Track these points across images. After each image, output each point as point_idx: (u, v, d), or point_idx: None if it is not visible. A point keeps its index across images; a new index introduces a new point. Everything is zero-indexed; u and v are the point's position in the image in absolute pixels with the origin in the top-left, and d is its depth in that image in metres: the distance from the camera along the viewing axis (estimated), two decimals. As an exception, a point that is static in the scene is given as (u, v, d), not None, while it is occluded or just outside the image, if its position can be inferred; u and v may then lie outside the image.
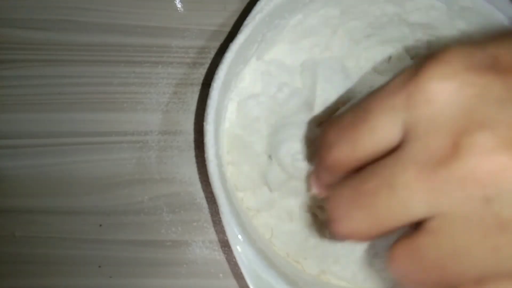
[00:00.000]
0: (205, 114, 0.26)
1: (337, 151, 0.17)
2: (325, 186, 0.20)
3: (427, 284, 0.15)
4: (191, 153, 0.33)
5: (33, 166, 0.33)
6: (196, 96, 0.34)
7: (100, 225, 0.32)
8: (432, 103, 0.14)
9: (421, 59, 0.15)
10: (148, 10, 0.35)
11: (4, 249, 0.32)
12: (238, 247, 0.25)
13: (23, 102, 0.34)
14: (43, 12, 0.35)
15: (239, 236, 0.25)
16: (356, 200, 0.16)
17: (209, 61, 0.35)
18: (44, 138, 0.33)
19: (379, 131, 0.15)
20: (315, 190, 0.22)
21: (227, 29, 0.35)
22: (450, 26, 0.30)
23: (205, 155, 0.26)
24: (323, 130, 0.18)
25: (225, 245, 0.32)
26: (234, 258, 0.31)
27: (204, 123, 0.26)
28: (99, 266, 0.31)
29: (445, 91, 0.14)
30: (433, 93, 0.14)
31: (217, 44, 0.35)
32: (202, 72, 0.34)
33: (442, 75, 0.14)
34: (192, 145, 0.33)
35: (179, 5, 0.36)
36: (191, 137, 0.33)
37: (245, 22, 0.28)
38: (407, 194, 0.14)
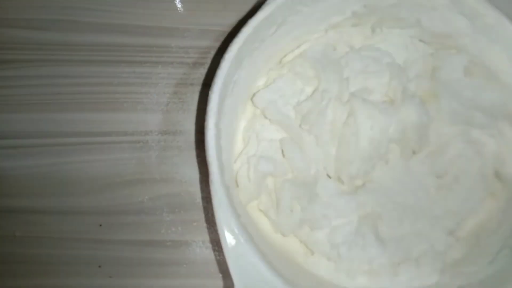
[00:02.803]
0: (212, 84, 0.25)
1: None
2: None
3: None
4: (191, 153, 0.33)
5: (33, 166, 0.33)
6: (196, 96, 0.34)
7: (100, 225, 0.32)
8: None
9: None
10: (148, 10, 0.35)
11: (4, 249, 0.32)
12: (221, 213, 0.24)
13: (23, 102, 0.34)
14: (43, 12, 0.35)
15: (224, 205, 0.24)
16: None
17: (209, 61, 0.35)
18: (44, 138, 0.33)
19: None
20: None
21: (227, 29, 0.35)
22: (471, 41, 0.29)
23: (205, 124, 0.25)
24: None
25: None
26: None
27: (210, 92, 0.25)
28: (99, 266, 0.31)
29: None
30: None
31: (217, 44, 0.35)
32: (202, 72, 0.34)
33: None
34: (192, 145, 0.33)
35: (179, 5, 0.36)
36: (191, 137, 0.33)
37: (267, 2, 0.27)
38: None
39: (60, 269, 0.31)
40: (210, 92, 0.25)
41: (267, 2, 0.27)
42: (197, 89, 0.34)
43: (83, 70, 0.34)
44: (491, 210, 0.29)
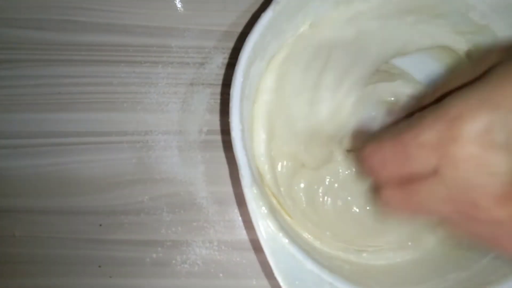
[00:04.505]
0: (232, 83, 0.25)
1: (382, 173, 0.23)
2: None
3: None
4: (191, 153, 0.33)
5: (33, 166, 0.33)
6: (196, 96, 0.34)
7: (100, 225, 0.32)
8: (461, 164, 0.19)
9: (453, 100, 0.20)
10: (148, 10, 0.35)
11: (4, 249, 0.32)
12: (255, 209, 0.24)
13: (23, 102, 0.34)
14: (43, 12, 0.35)
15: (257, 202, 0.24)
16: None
17: (209, 61, 0.35)
18: (44, 138, 0.33)
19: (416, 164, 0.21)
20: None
21: (227, 29, 0.35)
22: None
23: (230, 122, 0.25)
24: (364, 156, 0.24)
25: (225, 245, 0.32)
26: (234, 258, 0.32)
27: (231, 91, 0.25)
28: (99, 266, 0.31)
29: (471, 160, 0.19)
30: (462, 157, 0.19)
31: (217, 44, 0.35)
32: (202, 72, 0.34)
33: (472, 144, 0.19)
34: (192, 145, 0.33)
35: (179, 5, 0.35)
36: (191, 137, 0.33)
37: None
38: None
39: (60, 269, 0.31)
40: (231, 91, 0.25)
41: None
42: (196, 89, 0.34)
43: (82, 70, 0.34)
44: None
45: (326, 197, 0.30)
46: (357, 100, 0.31)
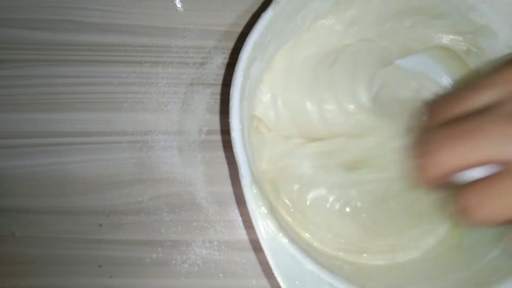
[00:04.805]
0: (232, 82, 0.25)
1: (450, 107, 0.23)
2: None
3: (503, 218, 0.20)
4: (191, 153, 0.33)
5: (33, 166, 0.33)
6: (196, 96, 0.34)
7: (100, 225, 0.32)
8: None
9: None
10: (148, 10, 0.35)
11: (4, 249, 0.32)
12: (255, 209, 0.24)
13: (22, 102, 0.34)
14: (43, 12, 0.35)
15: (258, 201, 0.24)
16: (452, 137, 0.21)
17: (209, 61, 0.35)
18: (44, 138, 0.33)
19: (483, 97, 0.22)
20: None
21: (227, 29, 0.35)
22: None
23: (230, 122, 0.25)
24: (439, 98, 0.27)
25: (225, 245, 0.32)
26: (234, 258, 0.32)
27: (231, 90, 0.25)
28: (99, 266, 0.31)
29: None
30: None
31: (217, 44, 0.35)
32: (202, 72, 0.34)
33: None
34: (192, 145, 0.33)
35: (179, 5, 0.35)
36: (191, 137, 0.33)
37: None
38: (498, 135, 0.20)
39: (60, 269, 0.31)
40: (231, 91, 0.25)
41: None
42: (196, 89, 0.34)
43: (82, 70, 0.34)
44: None
45: (336, 203, 0.30)
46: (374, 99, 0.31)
